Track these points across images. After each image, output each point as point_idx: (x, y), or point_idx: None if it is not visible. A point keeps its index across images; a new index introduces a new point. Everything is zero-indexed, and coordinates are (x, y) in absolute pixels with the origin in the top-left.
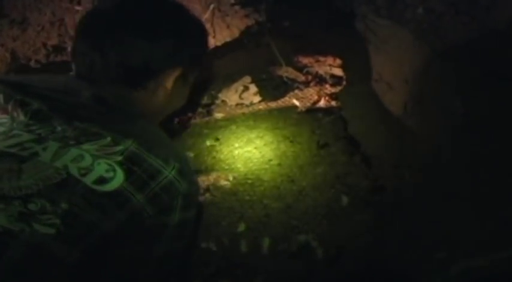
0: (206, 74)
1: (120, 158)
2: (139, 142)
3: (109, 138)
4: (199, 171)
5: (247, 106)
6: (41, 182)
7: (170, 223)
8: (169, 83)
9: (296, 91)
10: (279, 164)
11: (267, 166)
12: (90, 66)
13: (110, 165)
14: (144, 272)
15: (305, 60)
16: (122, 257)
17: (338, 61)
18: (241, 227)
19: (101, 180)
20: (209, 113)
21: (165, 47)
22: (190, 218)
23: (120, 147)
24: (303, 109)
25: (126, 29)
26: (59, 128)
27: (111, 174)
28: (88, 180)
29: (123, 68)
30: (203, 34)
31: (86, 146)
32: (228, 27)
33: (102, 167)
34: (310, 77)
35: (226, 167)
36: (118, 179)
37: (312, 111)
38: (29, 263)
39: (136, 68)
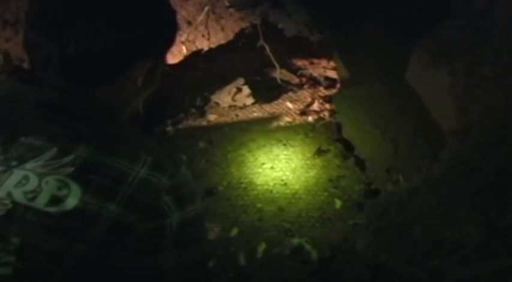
0: (199, 76)
1: (71, 170)
2: (95, 145)
3: (55, 149)
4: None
5: (240, 108)
6: None
7: (167, 227)
8: (140, 76)
9: (290, 93)
10: (272, 168)
11: (260, 170)
12: (46, 61)
13: (60, 181)
14: None
15: (299, 63)
16: (127, 274)
17: (332, 63)
18: (234, 232)
19: (55, 200)
20: (202, 114)
21: (137, 36)
22: (194, 217)
23: (69, 157)
24: (297, 111)
25: (89, 16)
26: None
27: (64, 191)
28: (38, 204)
29: (85, 62)
30: (173, 18)
31: (30, 165)
32: (222, 29)
33: (52, 185)
34: (304, 79)
35: (220, 171)
36: (75, 194)
37: (305, 113)
38: None
39: (101, 61)
